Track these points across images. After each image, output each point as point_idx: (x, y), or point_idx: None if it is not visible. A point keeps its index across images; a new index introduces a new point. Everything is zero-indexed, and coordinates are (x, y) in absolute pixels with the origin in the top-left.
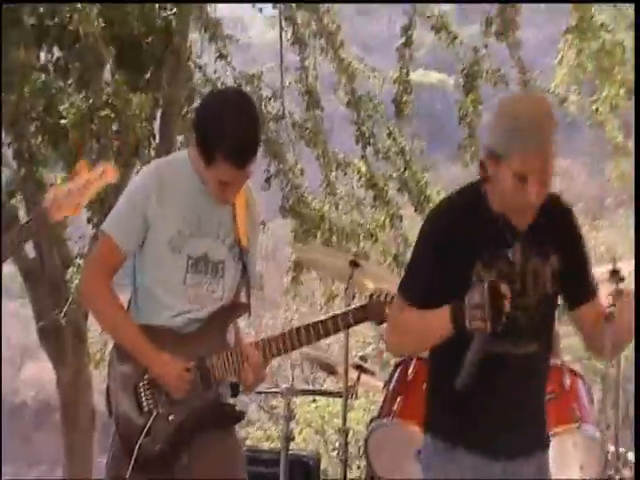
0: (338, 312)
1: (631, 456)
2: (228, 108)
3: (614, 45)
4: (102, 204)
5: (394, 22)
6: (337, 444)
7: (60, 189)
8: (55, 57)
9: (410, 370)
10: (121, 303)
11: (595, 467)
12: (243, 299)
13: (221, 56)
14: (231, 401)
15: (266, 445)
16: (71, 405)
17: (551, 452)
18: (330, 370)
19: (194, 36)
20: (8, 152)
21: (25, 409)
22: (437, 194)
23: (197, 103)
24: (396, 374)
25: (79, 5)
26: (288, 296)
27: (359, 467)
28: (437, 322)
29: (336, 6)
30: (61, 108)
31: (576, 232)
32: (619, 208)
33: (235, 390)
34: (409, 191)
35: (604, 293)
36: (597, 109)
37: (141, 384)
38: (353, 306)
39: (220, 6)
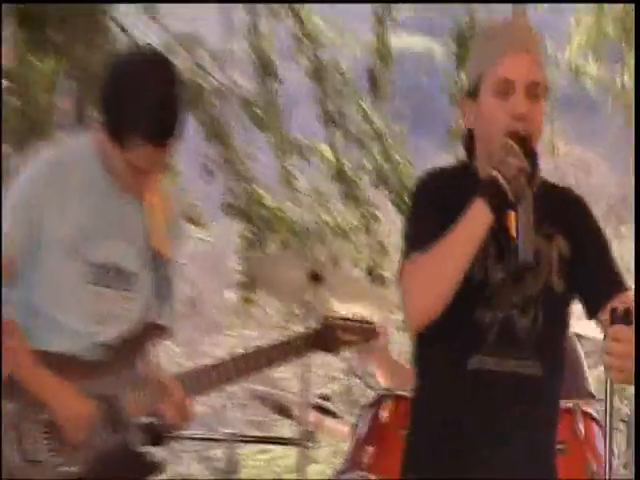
0: (281, 339)
1: None
2: (139, 74)
3: None
4: None
5: None
6: None
7: None
8: None
9: (384, 412)
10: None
11: None
12: (162, 320)
13: (149, 12)
14: (146, 449)
15: None
16: None
17: None
18: (285, 412)
19: None
20: None
21: None
22: None
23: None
24: (367, 417)
25: None
26: (234, 317)
27: None
28: (468, 224)
29: None
30: None
31: (590, 219)
32: None
33: (153, 433)
34: (387, 185)
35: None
36: (622, 84)
37: (27, 425)
38: (299, 332)
39: None
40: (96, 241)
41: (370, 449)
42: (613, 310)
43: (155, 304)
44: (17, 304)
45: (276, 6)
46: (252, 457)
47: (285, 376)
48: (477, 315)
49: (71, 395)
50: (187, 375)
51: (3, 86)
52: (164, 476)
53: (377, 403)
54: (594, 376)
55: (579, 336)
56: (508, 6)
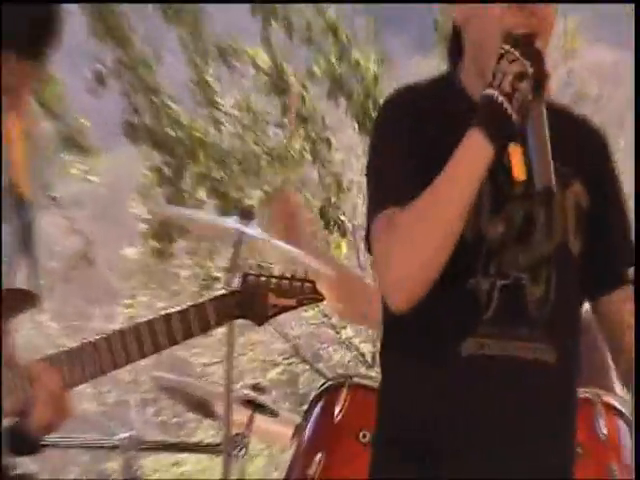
0: (190, 305)
1: None
2: None
3: None
4: None
5: None
6: None
7: None
8: None
9: (337, 406)
10: None
11: None
12: (26, 284)
13: None
14: (9, 459)
15: None
16: None
17: None
18: (204, 409)
19: None
20: None
21: None
22: None
23: None
24: (315, 414)
25: None
26: (134, 281)
27: None
28: (463, 164)
29: None
30: None
31: (611, 163)
32: None
33: (18, 439)
34: (345, 94)
35: None
36: None
37: None
38: (215, 295)
39: None
40: None
41: (319, 457)
42: None
43: (15, 263)
44: None
45: None
46: (164, 469)
47: (205, 360)
48: (471, 284)
49: None
50: (64, 357)
51: None
52: None
53: (328, 395)
54: None
55: None
56: None
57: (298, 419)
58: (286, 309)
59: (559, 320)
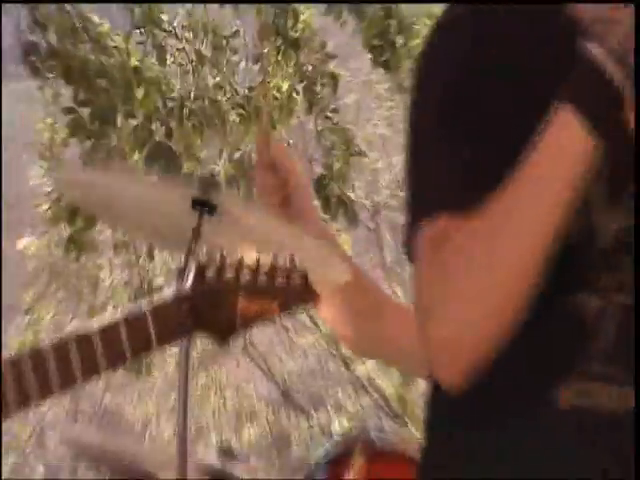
0: (120, 317)
1: None
2: None
3: None
4: None
5: None
6: None
7: None
8: None
9: (350, 471)
10: None
11: None
12: None
13: None
14: None
15: None
16: None
17: None
18: None
19: None
20: None
21: None
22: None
23: None
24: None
25: None
26: (33, 288)
27: None
28: (555, 153)
29: None
30: None
31: None
32: None
33: None
34: (354, 10)
35: None
36: None
37: None
38: (154, 301)
39: None
40: None
41: None
42: None
43: None
44: None
45: None
46: None
47: (148, 410)
48: (573, 302)
49: None
50: None
51: None
52: None
53: (334, 464)
54: None
55: None
56: None
57: None
58: (263, 316)
59: None
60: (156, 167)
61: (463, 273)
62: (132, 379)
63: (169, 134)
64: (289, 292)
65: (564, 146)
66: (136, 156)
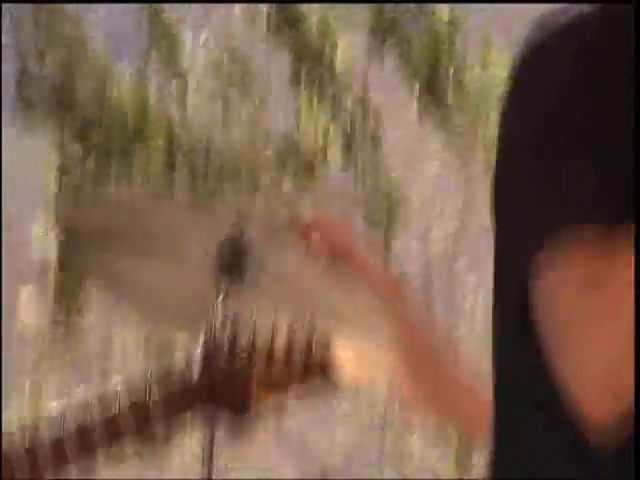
0: (136, 397)
1: None
2: None
3: None
4: None
5: None
6: None
7: None
8: None
9: None
10: None
11: None
12: None
13: None
14: None
15: None
16: None
17: None
18: None
19: None
20: None
21: None
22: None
23: None
24: None
25: None
26: (34, 349)
27: None
28: None
29: None
30: None
31: None
32: None
33: None
34: (396, 39)
35: None
36: None
37: None
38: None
39: None
40: None
41: None
42: None
43: None
44: None
45: None
46: None
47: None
48: None
49: None
50: None
51: None
52: None
53: None
54: None
55: None
56: None
57: None
58: (280, 388)
59: None
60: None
61: (623, 304)
62: (148, 457)
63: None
64: (308, 369)
65: None
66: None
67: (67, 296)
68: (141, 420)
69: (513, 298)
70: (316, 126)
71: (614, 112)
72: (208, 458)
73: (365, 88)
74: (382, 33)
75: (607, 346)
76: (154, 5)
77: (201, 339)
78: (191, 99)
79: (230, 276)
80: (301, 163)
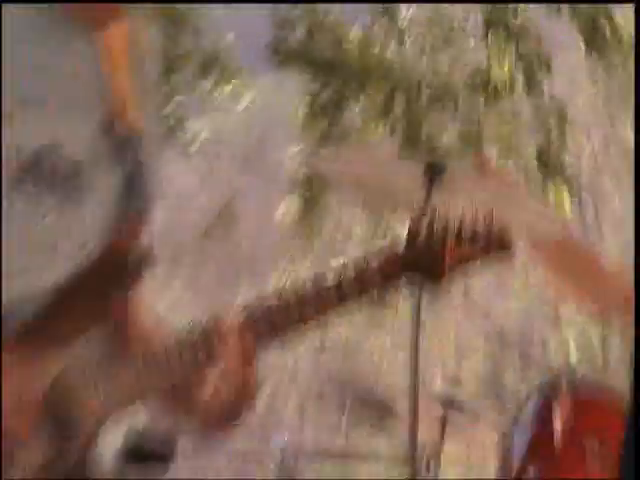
0: (351, 260)
1: None
2: None
3: None
4: None
5: None
6: None
7: None
8: None
9: (557, 414)
10: None
11: None
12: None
13: None
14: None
15: None
16: None
17: None
18: (382, 408)
19: None
20: None
21: None
22: None
23: None
24: (527, 421)
25: None
26: (289, 244)
27: None
28: None
29: None
30: None
31: None
32: None
33: (162, 446)
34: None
35: None
36: None
37: None
38: (381, 248)
39: None
40: (30, 115)
41: (534, 471)
42: None
43: (123, 213)
44: None
45: None
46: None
47: (384, 344)
48: None
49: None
50: (246, 313)
51: None
52: None
53: (544, 397)
54: None
55: None
56: None
57: (503, 422)
58: (467, 259)
59: None
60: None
61: None
62: (374, 317)
63: (404, 113)
64: (489, 239)
65: None
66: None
67: (313, 201)
68: (362, 285)
69: None
70: (502, 63)
71: None
72: (415, 316)
73: (539, 39)
74: None
75: None
76: None
77: (408, 222)
78: (408, 50)
79: (431, 181)
80: (490, 90)
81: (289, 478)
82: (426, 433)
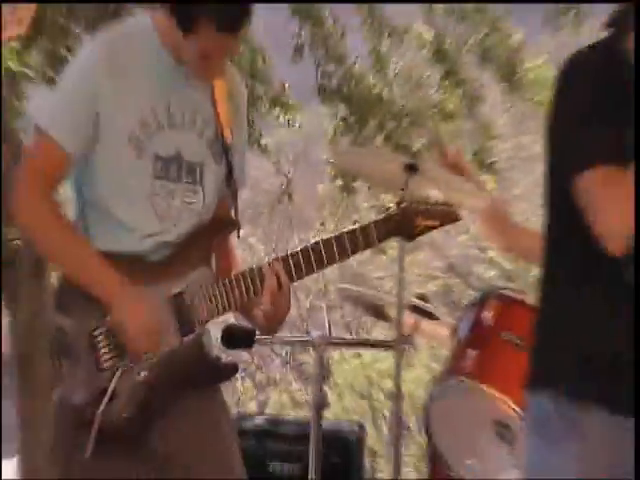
0: (355, 226)
1: None
2: None
3: None
4: None
5: None
6: (388, 413)
7: None
8: None
9: (488, 312)
10: (72, 223)
11: None
12: (229, 213)
13: None
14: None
15: (292, 414)
16: (27, 357)
17: None
18: (379, 313)
19: None
20: None
21: None
22: (538, 68)
23: None
24: (468, 318)
25: None
26: (324, 212)
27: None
28: None
29: None
30: None
31: None
32: None
33: (238, 333)
34: (495, 62)
35: None
36: None
37: (99, 330)
38: (376, 218)
39: None
40: (160, 131)
41: (473, 353)
42: None
43: (222, 197)
44: (75, 203)
45: None
46: (344, 363)
47: (379, 274)
48: None
49: (137, 299)
50: (283, 260)
51: None
52: (249, 381)
53: (480, 303)
54: None
55: None
56: None
57: (453, 322)
58: (430, 228)
59: None
60: (388, 147)
61: (624, 197)
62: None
63: (394, 130)
64: (444, 215)
65: None
66: (377, 141)
67: (339, 185)
68: (366, 240)
69: (562, 193)
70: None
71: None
72: (400, 260)
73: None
74: None
75: (620, 209)
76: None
77: (394, 202)
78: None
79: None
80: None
81: (322, 357)
82: (405, 329)
